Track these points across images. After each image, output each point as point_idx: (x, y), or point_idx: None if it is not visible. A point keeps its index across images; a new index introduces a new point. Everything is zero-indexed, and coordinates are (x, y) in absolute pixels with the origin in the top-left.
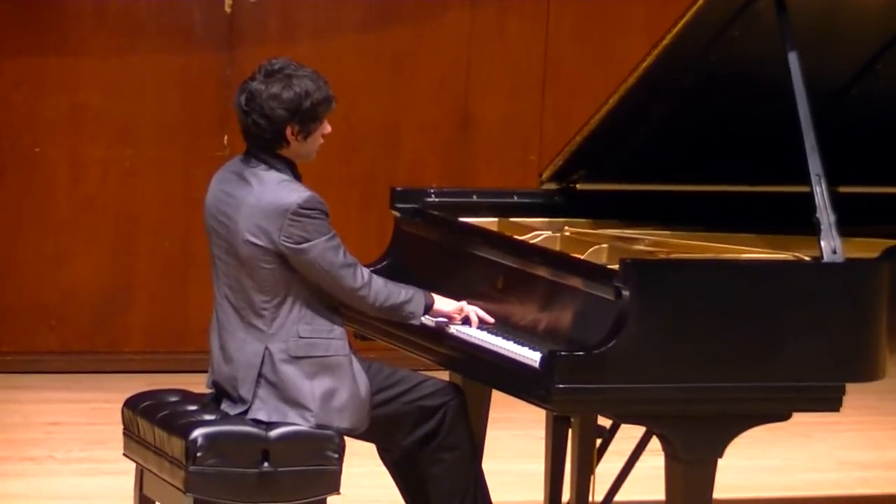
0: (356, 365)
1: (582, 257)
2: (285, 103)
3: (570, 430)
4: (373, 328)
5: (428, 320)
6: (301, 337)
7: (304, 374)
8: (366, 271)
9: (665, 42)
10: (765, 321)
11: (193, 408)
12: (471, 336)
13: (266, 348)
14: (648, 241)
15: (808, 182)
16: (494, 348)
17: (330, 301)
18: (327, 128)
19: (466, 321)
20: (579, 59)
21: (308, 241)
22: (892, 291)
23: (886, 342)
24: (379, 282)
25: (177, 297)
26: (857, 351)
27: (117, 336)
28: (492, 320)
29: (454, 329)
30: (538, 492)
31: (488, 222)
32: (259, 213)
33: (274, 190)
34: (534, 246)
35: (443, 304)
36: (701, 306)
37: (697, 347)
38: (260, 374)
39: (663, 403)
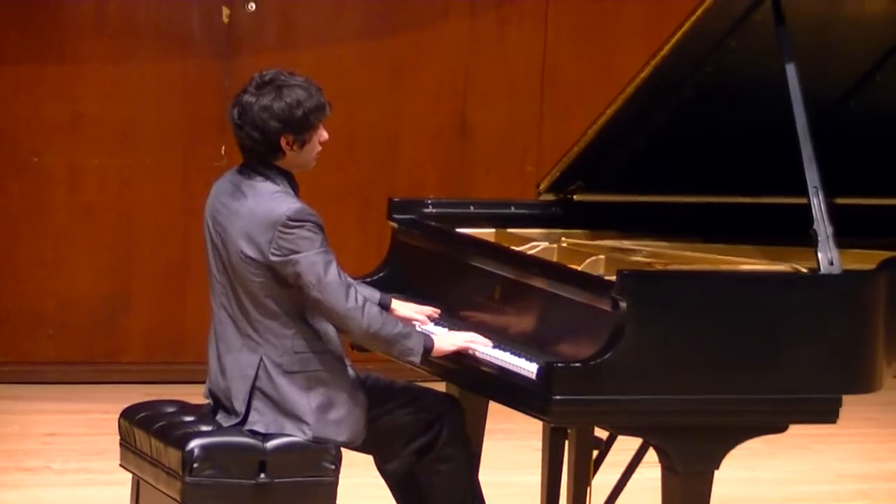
0: (353, 377)
1: (579, 268)
2: (277, 114)
3: (566, 442)
4: None
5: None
6: (295, 352)
7: (299, 387)
8: (361, 296)
9: (663, 53)
10: (762, 333)
11: (190, 419)
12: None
13: (261, 360)
14: (646, 253)
15: (805, 193)
16: (491, 359)
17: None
18: (324, 135)
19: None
20: (578, 68)
21: (296, 252)
22: (889, 303)
23: (884, 353)
24: (374, 309)
25: (175, 306)
26: (855, 362)
27: (115, 346)
28: (490, 343)
29: None
30: (535, 503)
31: (486, 233)
32: (251, 225)
33: (266, 202)
34: (531, 257)
35: (443, 343)
36: (698, 318)
37: (694, 359)
38: (255, 387)
39: (660, 415)
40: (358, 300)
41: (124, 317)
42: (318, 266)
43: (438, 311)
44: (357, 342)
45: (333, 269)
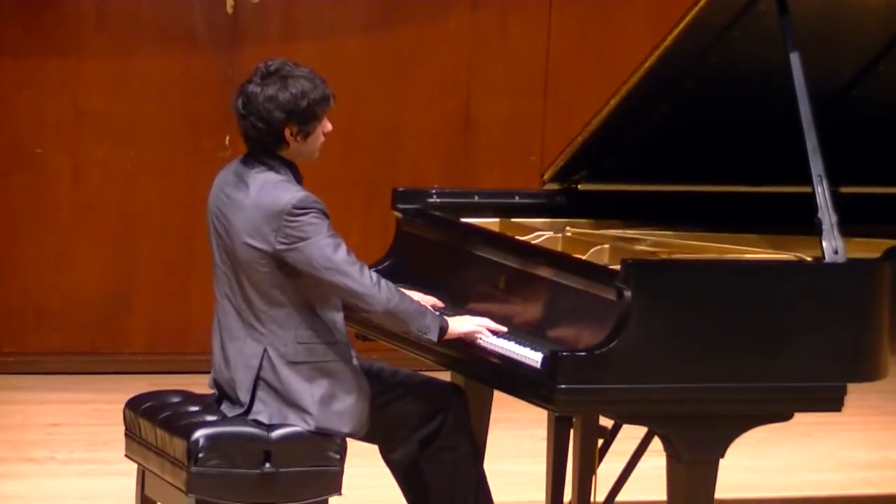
0: (357, 369)
1: (584, 258)
2: (282, 105)
3: (571, 431)
4: (375, 329)
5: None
6: (299, 343)
7: (303, 378)
8: (375, 274)
9: (667, 43)
10: (766, 321)
11: (195, 409)
12: None
13: (265, 350)
14: (650, 242)
15: (809, 182)
16: (496, 349)
17: (332, 305)
18: (328, 126)
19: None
20: (581, 60)
21: (304, 239)
22: (894, 291)
23: (888, 342)
24: (391, 285)
25: (178, 298)
26: (859, 351)
27: (119, 337)
28: (504, 329)
29: None
30: (540, 492)
31: (490, 223)
32: (255, 216)
33: (269, 192)
34: (535, 246)
35: (457, 325)
36: (702, 306)
37: (699, 348)
38: (259, 377)
39: (665, 404)
40: (372, 277)
41: (128, 309)
42: (327, 249)
43: (442, 305)
44: (376, 321)
45: (343, 250)
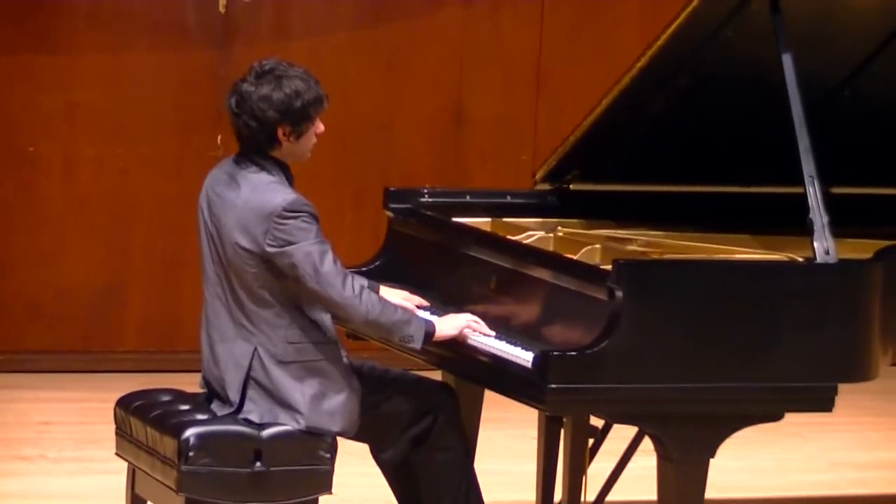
0: (348, 368)
1: (575, 258)
2: (276, 104)
3: (562, 430)
4: None
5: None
6: (289, 342)
7: (293, 377)
8: (358, 284)
9: (659, 42)
10: (757, 322)
11: (186, 407)
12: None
13: (255, 350)
14: (641, 242)
15: (801, 183)
16: (487, 348)
17: (319, 306)
18: (320, 127)
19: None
20: (573, 58)
21: (292, 243)
22: (885, 292)
23: (879, 342)
24: (373, 296)
25: (170, 295)
26: (850, 351)
27: (110, 335)
28: (492, 333)
29: None
30: (530, 492)
31: (482, 222)
32: (246, 216)
33: (261, 193)
34: (527, 246)
35: (445, 327)
36: (693, 307)
37: (690, 348)
38: (249, 377)
39: (656, 404)
40: (355, 288)
41: (120, 306)
42: (313, 256)
43: (427, 304)
44: (357, 330)
45: (329, 258)
